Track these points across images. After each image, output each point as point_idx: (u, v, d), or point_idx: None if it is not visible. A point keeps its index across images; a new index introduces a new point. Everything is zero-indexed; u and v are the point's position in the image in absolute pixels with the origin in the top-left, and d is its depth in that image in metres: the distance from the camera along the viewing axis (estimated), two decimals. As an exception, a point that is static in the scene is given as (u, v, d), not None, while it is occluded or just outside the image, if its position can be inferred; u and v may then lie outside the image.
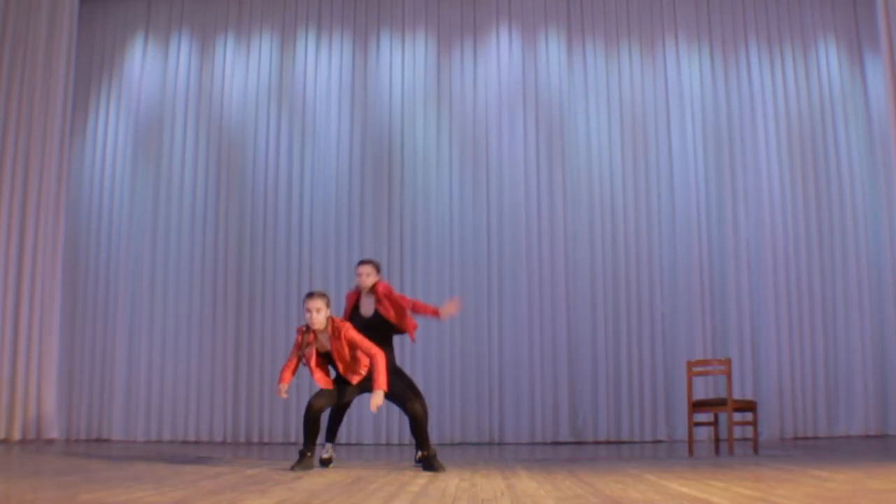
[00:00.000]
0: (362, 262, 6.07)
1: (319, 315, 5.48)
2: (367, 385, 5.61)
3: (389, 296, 5.96)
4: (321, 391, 5.51)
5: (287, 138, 10.04)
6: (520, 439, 9.34)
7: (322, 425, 5.65)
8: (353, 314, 6.04)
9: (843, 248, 9.78)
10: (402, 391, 5.57)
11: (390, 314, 5.91)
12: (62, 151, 9.39)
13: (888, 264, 9.67)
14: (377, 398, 5.34)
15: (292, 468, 5.31)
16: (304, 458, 5.37)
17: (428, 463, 5.42)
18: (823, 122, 10.05)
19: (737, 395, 9.21)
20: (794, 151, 9.95)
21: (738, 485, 4.07)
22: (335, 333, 5.51)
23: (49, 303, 9.13)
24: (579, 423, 9.44)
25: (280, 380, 5.62)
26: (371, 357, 5.48)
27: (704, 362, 7.49)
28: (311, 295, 5.54)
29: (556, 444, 9.19)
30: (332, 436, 5.99)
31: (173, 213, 9.88)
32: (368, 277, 5.97)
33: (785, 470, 4.98)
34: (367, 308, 6.01)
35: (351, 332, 5.53)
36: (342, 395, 5.70)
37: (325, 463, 5.80)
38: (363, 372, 5.59)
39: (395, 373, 5.74)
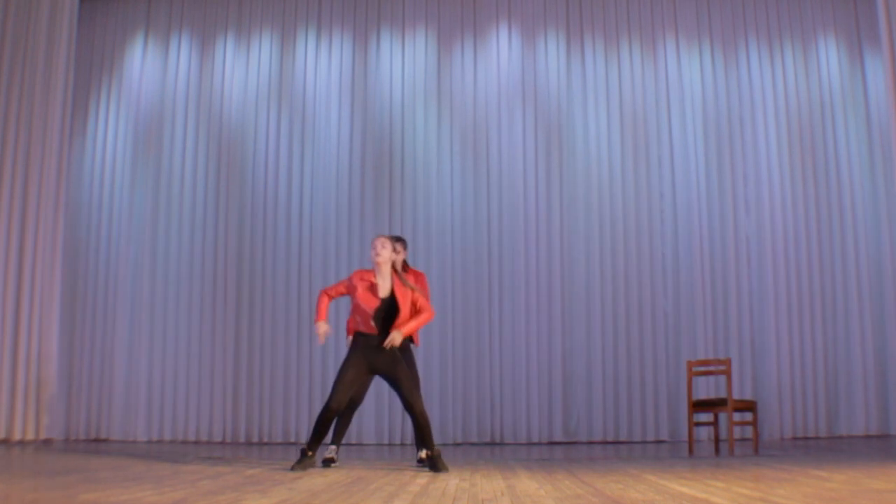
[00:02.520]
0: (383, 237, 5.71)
1: (385, 251, 5.39)
2: (382, 367, 5.41)
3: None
4: (339, 387, 5.29)
5: (287, 138, 10.04)
6: (521, 440, 9.34)
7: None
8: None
9: (843, 247, 9.78)
10: (413, 389, 5.37)
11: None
12: (62, 151, 9.39)
13: (888, 263, 9.67)
14: (397, 337, 5.30)
15: (292, 468, 5.29)
16: (305, 457, 5.30)
17: (434, 463, 5.36)
18: (823, 120, 10.05)
19: (737, 395, 9.21)
20: (794, 149, 9.95)
21: (738, 485, 4.06)
22: (401, 276, 5.42)
23: (49, 303, 9.13)
24: (573, 424, 9.43)
25: (318, 317, 5.44)
26: (422, 310, 5.39)
27: (704, 362, 7.48)
28: (379, 236, 5.51)
29: (556, 444, 9.19)
30: (337, 438, 5.91)
31: (173, 212, 9.89)
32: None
33: (785, 470, 4.98)
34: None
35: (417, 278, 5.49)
36: (361, 383, 5.63)
37: (326, 462, 5.75)
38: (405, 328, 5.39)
39: (411, 366, 5.67)
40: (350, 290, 5.44)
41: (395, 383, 5.36)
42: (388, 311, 5.39)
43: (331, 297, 5.53)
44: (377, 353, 5.36)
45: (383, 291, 5.39)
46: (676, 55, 10.14)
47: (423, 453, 5.78)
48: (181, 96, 10.16)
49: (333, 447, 5.88)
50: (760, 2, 10.29)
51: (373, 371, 5.42)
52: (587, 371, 9.52)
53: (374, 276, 5.41)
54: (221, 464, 5.88)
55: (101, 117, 10.24)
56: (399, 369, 5.35)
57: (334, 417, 5.37)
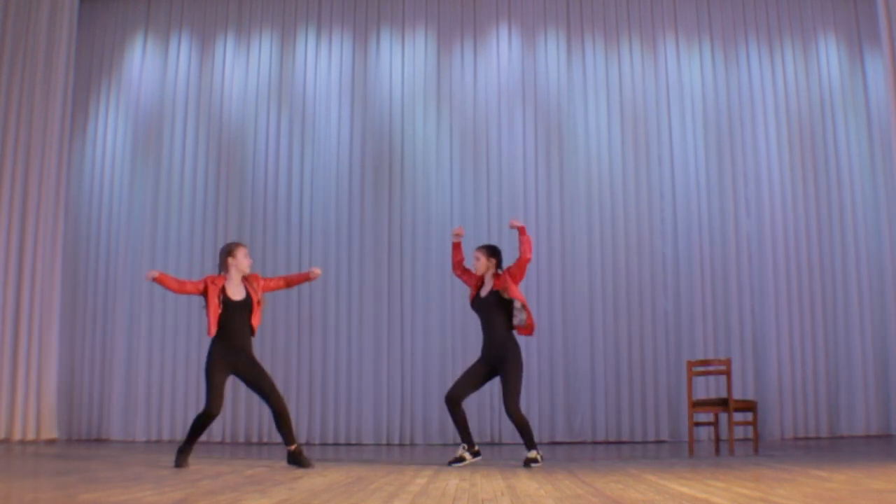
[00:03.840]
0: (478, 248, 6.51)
1: (247, 259, 5.91)
2: (496, 365, 5.97)
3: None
4: (212, 391, 5.59)
5: (287, 137, 10.04)
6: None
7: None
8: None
9: (843, 247, 9.77)
10: (271, 384, 5.72)
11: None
12: (62, 151, 9.39)
13: (888, 263, 9.65)
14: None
15: (176, 464, 5.58)
16: (181, 453, 5.60)
17: (296, 458, 5.63)
18: (823, 120, 10.04)
19: (738, 395, 9.20)
20: (794, 148, 9.94)
21: (738, 485, 4.06)
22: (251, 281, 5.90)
23: (48, 303, 9.13)
24: (577, 424, 9.42)
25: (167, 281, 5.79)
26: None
27: (704, 362, 7.48)
28: (242, 244, 6.00)
29: (556, 444, 9.18)
30: (465, 435, 6.04)
31: (173, 212, 9.88)
32: (477, 262, 6.45)
33: (785, 470, 4.98)
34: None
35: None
36: (473, 382, 6.10)
37: (457, 460, 5.90)
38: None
39: (518, 363, 5.96)
40: (199, 291, 5.79)
41: (254, 385, 5.72)
42: (244, 314, 5.76)
43: (180, 287, 5.86)
44: (236, 356, 5.70)
45: (238, 295, 5.79)
46: (676, 54, 10.13)
47: (293, 446, 5.77)
48: (181, 96, 10.16)
49: (464, 445, 5.99)
50: (760, 1, 10.28)
51: (234, 371, 5.74)
52: (587, 371, 9.50)
53: (225, 281, 5.81)
54: (221, 464, 5.89)
55: (101, 117, 10.23)
56: (257, 371, 5.71)
57: (211, 422, 5.66)
